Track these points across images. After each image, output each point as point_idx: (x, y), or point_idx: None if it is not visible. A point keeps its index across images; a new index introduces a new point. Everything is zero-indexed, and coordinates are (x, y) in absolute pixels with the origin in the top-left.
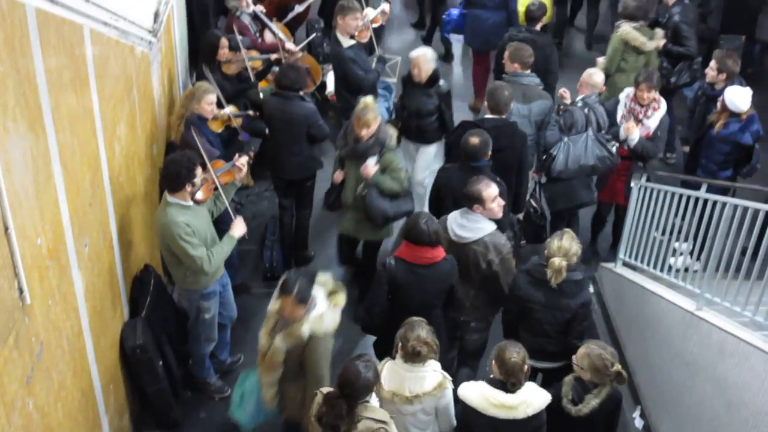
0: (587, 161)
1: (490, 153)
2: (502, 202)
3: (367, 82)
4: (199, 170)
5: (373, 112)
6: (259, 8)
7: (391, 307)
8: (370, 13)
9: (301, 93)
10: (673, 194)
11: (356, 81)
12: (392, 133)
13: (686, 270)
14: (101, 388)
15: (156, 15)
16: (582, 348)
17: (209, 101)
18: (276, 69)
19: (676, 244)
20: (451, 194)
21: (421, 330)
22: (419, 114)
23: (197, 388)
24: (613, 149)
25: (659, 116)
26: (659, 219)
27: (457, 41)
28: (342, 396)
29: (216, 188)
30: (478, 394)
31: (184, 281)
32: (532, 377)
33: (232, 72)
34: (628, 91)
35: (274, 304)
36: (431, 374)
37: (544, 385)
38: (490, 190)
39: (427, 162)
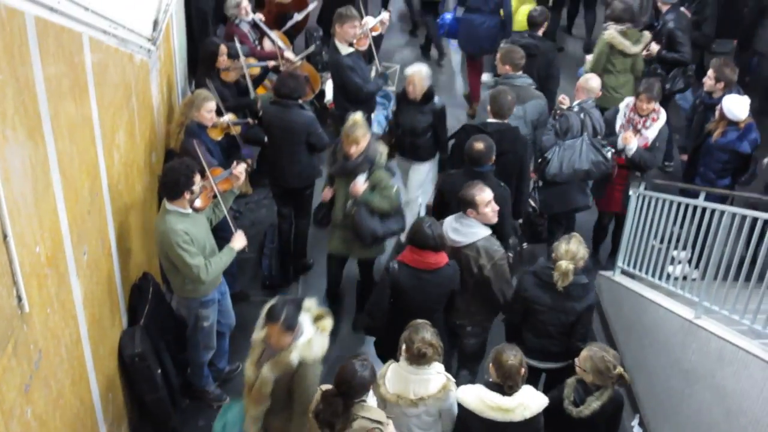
0: (582, 166)
1: (494, 158)
2: (496, 207)
3: (366, 90)
4: (197, 178)
5: (362, 129)
6: (258, 16)
7: (393, 309)
8: (369, 21)
9: (300, 101)
10: (671, 203)
11: (354, 89)
12: (382, 150)
13: (685, 278)
14: (100, 396)
15: (155, 23)
16: (584, 350)
17: (209, 109)
18: (274, 77)
19: (675, 253)
20: (455, 200)
21: (426, 332)
22: (413, 131)
23: (196, 397)
24: (608, 154)
25: (658, 127)
26: (658, 227)
27: (454, 49)
28: (339, 394)
29: (215, 196)
30: (475, 396)
31: (182, 289)
32: (535, 377)
33: (231, 79)
34: (628, 100)
35: (258, 333)
36: (436, 377)
37: (547, 385)
38: (484, 194)
39: (420, 180)
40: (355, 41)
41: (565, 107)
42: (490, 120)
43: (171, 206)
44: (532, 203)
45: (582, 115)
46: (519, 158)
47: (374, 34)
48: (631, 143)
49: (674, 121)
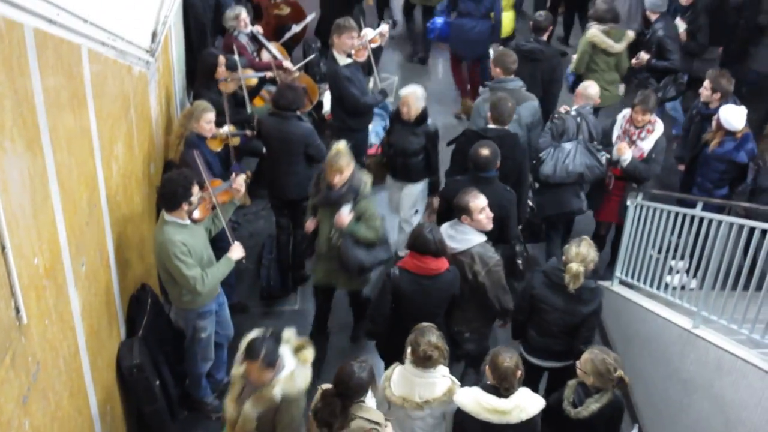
0: (575, 168)
1: (498, 163)
2: (491, 214)
3: (363, 102)
4: (196, 189)
5: (346, 158)
6: (257, 28)
7: (394, 315)
8: (368, 33)
9: (298, 113)
10: (669, 212)
11: (351, 100)
12: (366, 179)
13: (683, 288)
14: (98, 408)
15: (154, 35)
16: (586, 353)
17: (208, 120)
18: (272, 88)
19: (673, 262)
20: None
21: (432, 335)
22: (405, 152)
23: (194, 408)
24: (603, 159)
25: (654, 138)
26: (655, 237)
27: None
28: (337, 394)
29: (214, 207)
30: (472, 399)
31: (180, 300)
32: (537, 376)
33: (229, 91)
34: (625, 111)
35: (237, 369)
36: (441, 380)
37: (549, 385)
38: (478, 201)
39: (412, 200)
40: (353, 52)
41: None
42: (490, 126)
43: (169, 217)
44: (530, 203)
45: (578, 119)
46: (518, 164)
47: (373, 46)
48: (626, 154)
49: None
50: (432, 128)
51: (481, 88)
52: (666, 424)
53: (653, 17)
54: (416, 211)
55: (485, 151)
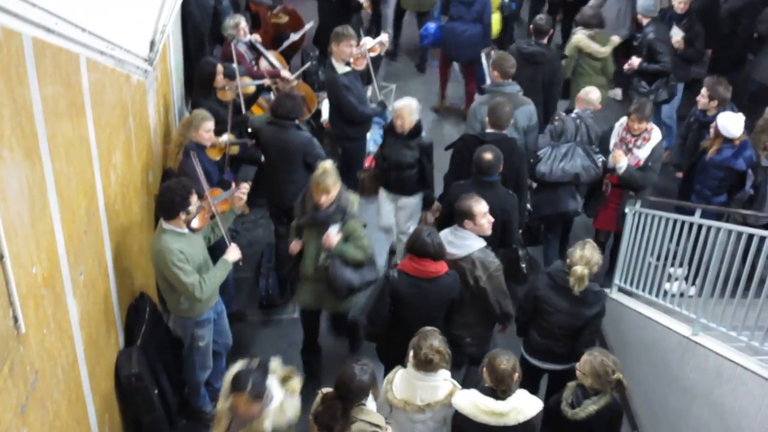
0: (571, 169)
1: (501, 168)
2: (491, 219)
3: (360, 111)
4: (194, 198)
5: (333, 177)
6: (255, 37)
7: (393, 317)
8: (367, 42)
9: (297, 121)
10: (667, 220)
11: (349, 108)
12: (353, 198)
13: (682, 295)
14: (96, 417)
15: (152, 44)
16: (585, 354)
17: (207, 129)
18: (270, 96)
19: (671, 270)
20: None
21: (434, 339)
22: (399, 166)
23: (193, 417)
24: (599, 161)
25: (650, 146)
26: (654, 245)
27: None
28: (338, 397)
29: (213, 216)
30: (469, 401)
31: (178, 308)
32: (537, 378)
33: (227, 99)
34: (623, 120)
35: (224, 403)
36: (443, 383)
37: (549, 388)
38: (480, 206)
39: (410, 212)
40: (352, 61)
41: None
42: (489, 130)
43: (167, 225)
44: (528, 206)
45: (578, 122)
46: (516, 169)
47: (372, 55)
48: (621, 162)
49: None
50: (426, 141)
51: (477, 95)
52: (665, 431)
53: (644, 21)
54: (409, 227)
55: (488, 156)
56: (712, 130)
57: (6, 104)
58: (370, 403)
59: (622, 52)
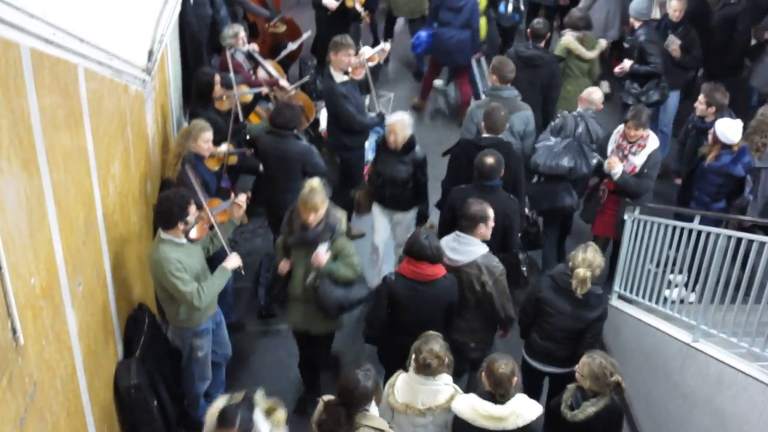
0: (564, 163)
1: (503, 172)
2: (492, 223)
3: (358, 120)
4: (192, 208)
5: (321, 195)
6: (253, 46)
7: (392, 321)
8: (366, 51)
9: (296, 131)
10: (666, 226)
11: (346, 117)
12: (341, 216)
13: (682, 302)
14: (95, 428)
15: (150, 54)
16: (584, 357)
17: (205, 139)
18: (269, 106)
19: (671, 276)
20: None
21: (435, 344)
22: (393, 182)
23: (192, 428)
24: (593, 161)
25: (646, 153)
26: (653, 251)
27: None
28: (341, 404)
29: (212, 227)
30: (468, 405)
31: (176, 319)
32: (538, 381)
33: (224, 108)
34: (620, 127)
35: None
36: (444, 388)
37: (550, 392)
38: (490, 210)
39: (407, 226)
40: (350, 70)
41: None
42: (485, 135)
43: (165, 235)
44: (526, 211)
45: (578, 120)
46: (513, 172)
47: (371, 64)
48: (616, 168)
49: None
50: (420, 155)
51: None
52: None
53: (636, 24)
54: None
55: (490, 160)
56: (710, 137)
57: (4, 115)
58: (373, 409)
59: (613, 54)
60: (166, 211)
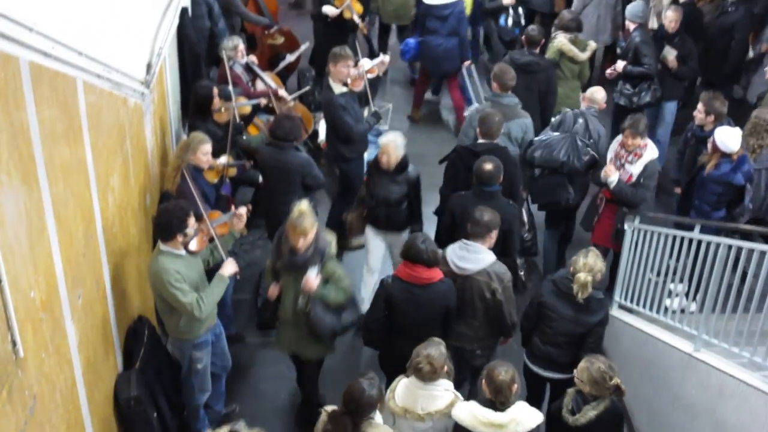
0: (558, 156)
1: (502, 178)
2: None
3: (357, 131)
4: (191, 220)
5: (310, 219)
6: (252, 58)
7: (390, 324)
8: (366, 63)
9: (295, 143)
10: (666, 236)
11: (345, 129)
12: (330, 239)
13: (683, 311)
14: None
15: (149, 66)
16: (582, 362)
17: (204, 151)
18: (268, 118)
19: (672, 286)
20: (467, 220)
21: (432, 349)
22: (387, 202)
23: None
24: (586, 156)
25: (643, 163)
26: (654, 261)
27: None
28: (347, 413)
29: (211, 240)
30: (468, 412)
31: (176, 330)
32: (541, 387)
33: (223, 120)
34: (620, 136)
35: None
36: (444, 393)
37: (552, 397)
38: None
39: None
40: (349, 81)
41: None
42: (480, 141)
43: (164, 247)
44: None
45: (579, 117)
46: (509, 177)
47: (370, 76)
48: (612, 176)
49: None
50: (413, 175)
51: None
52: None
53: (632, 26)
54: None
55: (488, 166)
56: (709, 145)
57: (3, 129)
58: (377, 417)
59: (607, 58)
60: (165, 223)
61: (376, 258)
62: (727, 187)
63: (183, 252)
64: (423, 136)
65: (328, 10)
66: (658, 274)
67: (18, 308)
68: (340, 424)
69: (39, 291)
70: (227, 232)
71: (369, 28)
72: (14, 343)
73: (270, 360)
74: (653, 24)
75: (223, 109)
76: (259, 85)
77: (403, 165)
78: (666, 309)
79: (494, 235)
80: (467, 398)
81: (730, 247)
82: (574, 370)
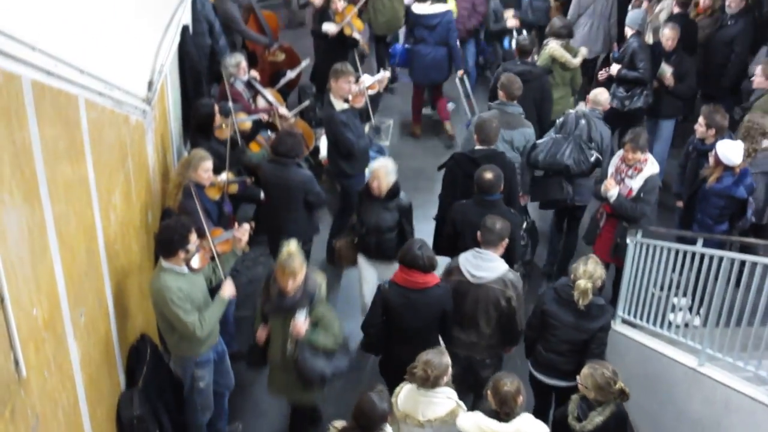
0: (562, 159)
1: (503, 186)
2: None
3: (358, 147)
4: (193, 237)
5: (299, 260)
6: (253, 74)
7: (388, 329)
8: (367, 79)
9: (297, 159)
10: (669, 250)
11: (346, 145)
12: (320, 281)
13: (686, 325)
14: None
15: (150, 84)
16: (585, 368)
17: (206, 168)
18: (269, 135)
19: (675, 300)
20: (469, 229)
21: (433, 356)
22: (378, 230)
23: None
24: (592, 158)
25: (643, 177)
26: (656, 275)
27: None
28: (358, 427)
29: (213, 258)
30: (473, 423)
31: (177, 348)
32: (546, 395)
33: (224, 137)
34: (621, 151)
35: None
36: (445, 401)
37: (558, 405)
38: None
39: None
40: (350, 98)
41: None
42: (478, 147)
43: (166, 264)
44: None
45: (581, 119)
46: (507, 181)
47: (371, 92)
48: (612, 190)
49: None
50: (405, 202)
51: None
52: None
53: (630, 32)
54: None
55: (488, 175)
56: (711, 159)
57: (6, 147)
58: (388, 429)
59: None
60: (167, 239)
61: (371, 286)
62: (729, 200)
63: (185, 269)
64: (424, 152)
65: (329, 27)
66: (662, 289)
67: (20, 327)
68: None
69: (41, 309)
70: (229, 250)
71: (370, 45)
72: (17, 363)
73: None
74: (649, 39)
75: (223, 126)
76: (261, 102)
77: (394, 191)
78: (669, 323)
79: (505, 243)
80: (470, 409)
81: (733, 260)
82: (577, 377)
